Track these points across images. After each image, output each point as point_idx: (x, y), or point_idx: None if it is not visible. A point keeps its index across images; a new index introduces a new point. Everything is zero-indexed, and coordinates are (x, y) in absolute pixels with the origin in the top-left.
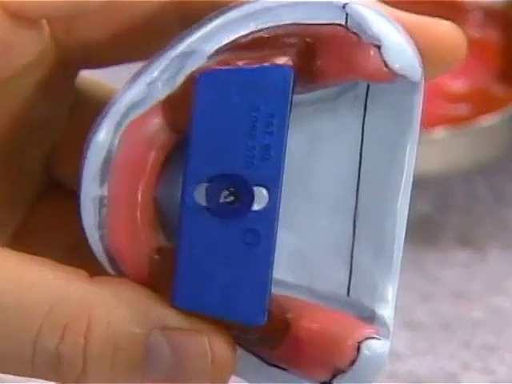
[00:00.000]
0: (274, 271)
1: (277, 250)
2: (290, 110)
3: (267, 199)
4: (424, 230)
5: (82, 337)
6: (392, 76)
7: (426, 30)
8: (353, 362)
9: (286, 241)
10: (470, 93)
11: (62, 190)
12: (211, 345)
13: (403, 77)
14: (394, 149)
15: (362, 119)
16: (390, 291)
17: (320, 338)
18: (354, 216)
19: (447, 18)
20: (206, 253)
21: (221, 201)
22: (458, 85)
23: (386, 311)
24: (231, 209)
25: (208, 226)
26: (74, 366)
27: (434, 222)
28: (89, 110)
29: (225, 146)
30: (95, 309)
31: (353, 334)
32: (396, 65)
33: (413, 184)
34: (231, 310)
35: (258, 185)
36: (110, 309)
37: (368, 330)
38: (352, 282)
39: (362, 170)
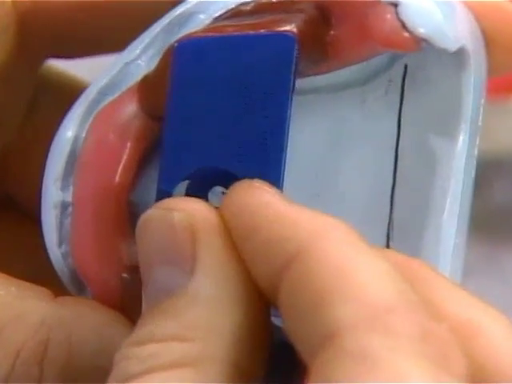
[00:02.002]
0: None
1: None
2: (293, 88)
3: None
4: (504, 225)
5: (37, 366)
6: (414, 42)
7: (492, 11)
8: None
9: None
10: None
11: (13, 206)
12: None
13: (429, 43)
14: (440, 145)
15: (397, 109)
16: None
17: None
18: (388, 227)
19: None
20: None
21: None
22: None
23: None
24: None
25: None
26: None
27: None
28: (53, 106)
29: (209, 133)
30: (54, 333)
31: None
32: (420, 28)
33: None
34: None
35: None
36: (71, 335)
37: None
38: None
39: (397, 172)
